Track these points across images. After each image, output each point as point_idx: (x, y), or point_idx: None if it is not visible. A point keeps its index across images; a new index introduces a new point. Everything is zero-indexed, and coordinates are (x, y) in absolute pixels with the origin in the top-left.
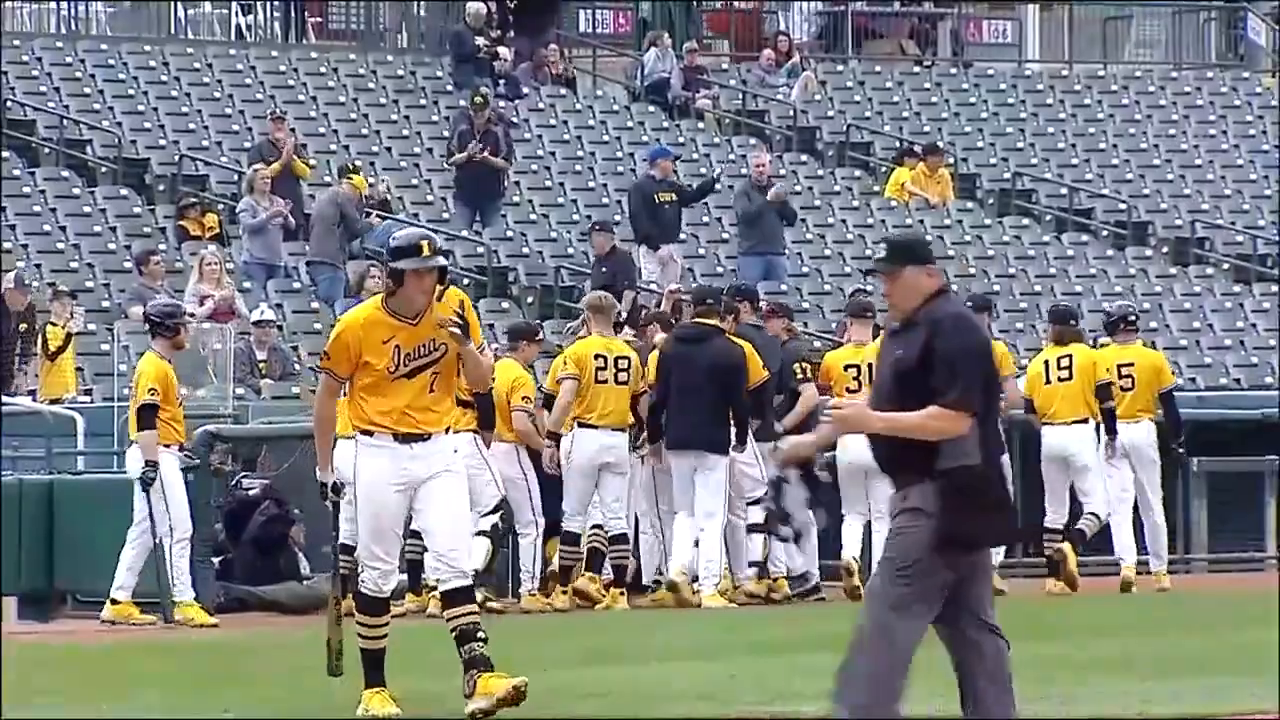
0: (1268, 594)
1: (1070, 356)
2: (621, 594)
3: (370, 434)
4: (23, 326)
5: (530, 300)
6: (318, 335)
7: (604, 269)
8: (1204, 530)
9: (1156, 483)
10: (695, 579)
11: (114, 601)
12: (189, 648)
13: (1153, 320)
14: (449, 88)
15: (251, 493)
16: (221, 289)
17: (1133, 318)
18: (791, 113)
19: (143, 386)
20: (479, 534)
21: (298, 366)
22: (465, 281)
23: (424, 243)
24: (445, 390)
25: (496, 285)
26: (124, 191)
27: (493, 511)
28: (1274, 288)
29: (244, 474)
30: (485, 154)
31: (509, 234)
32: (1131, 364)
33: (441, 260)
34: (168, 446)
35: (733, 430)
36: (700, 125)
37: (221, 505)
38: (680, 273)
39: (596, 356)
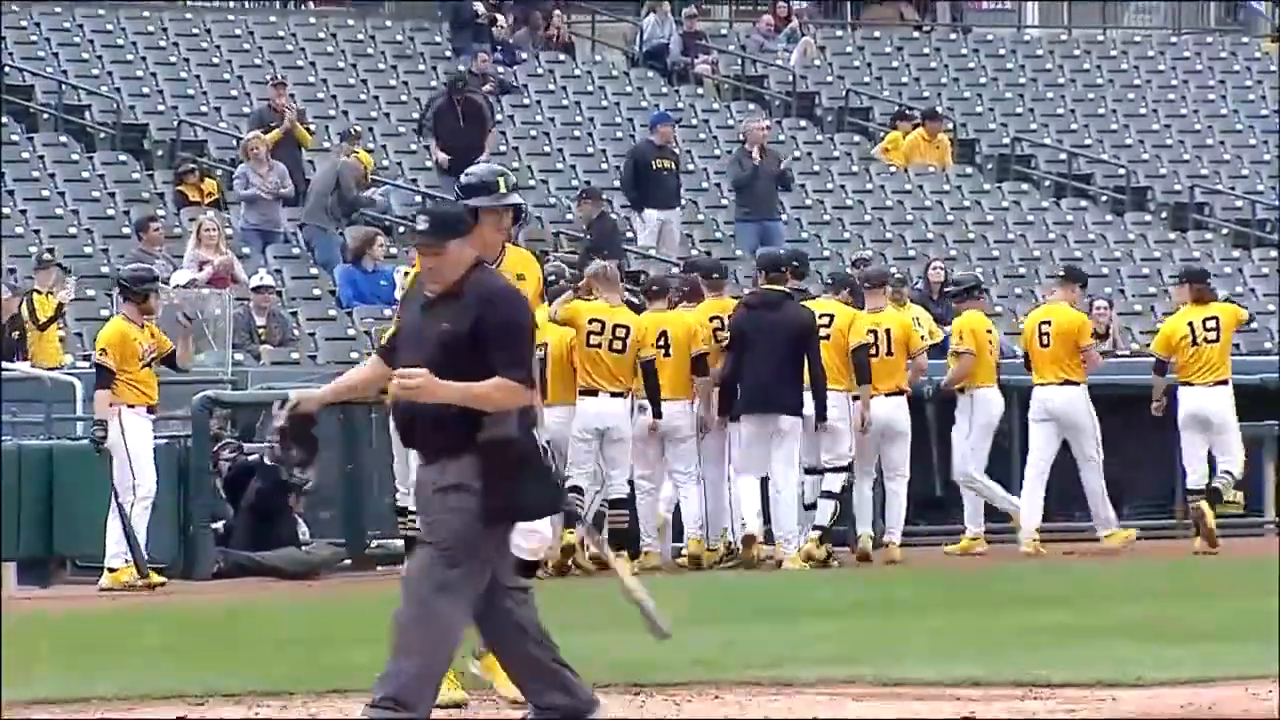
0: (1267, 561)
1: (1217, 318)
2: (621, 556)
3: None
4: (15, 335)
5: None
6: (316, 300)
7: (589, 237)
8: None
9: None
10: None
11: (110, 570)
12: (187, 614)
13: (1151, 285)
14: (447, 53)
15: (252, 459)
16: (220, 255)
17: (972, 285)
18: (791, 78)
19: (98, 349)
20: None
21: (296, 332)
22: None
23: (499, 179)
24: None
25: None
26: (122, 157)
27: None
28: (1273, 253)
29: (228, 439)
30: (475, 137)
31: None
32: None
33: (517, 198)
34: (132, 407)
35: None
36: (699, 91)
37: (218, 470)
38: (679, 239)
39: (592, 321)
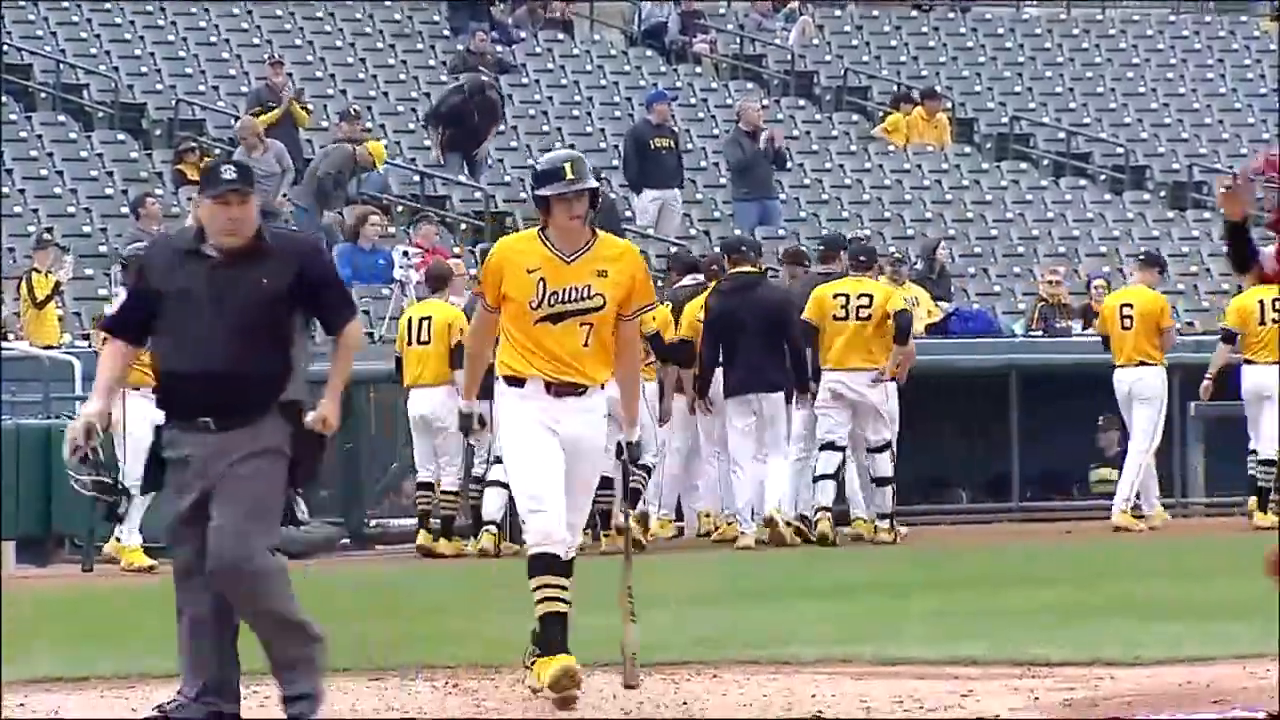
0: (1268, 539)
1: None
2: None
3: (519, 384)
4: None
5: None
6: None
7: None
8: (1201, 475)
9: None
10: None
11: (118, 539)
12: None
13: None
14: (445, 32)
15: None
16: None
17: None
18: (789, 57)
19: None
20: (494, 484)
21: None
22: (463, 226)
23: (567, 165)
24: (600, 349)
25: (494, 230)
26: (121, 136)
27: None
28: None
29: None
30: (484, 128)
31: (506, 179)
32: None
33: (590, 183)
34: (136, 389)
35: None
36: (698, 70)
37: None
38: (678, 219)
39: None
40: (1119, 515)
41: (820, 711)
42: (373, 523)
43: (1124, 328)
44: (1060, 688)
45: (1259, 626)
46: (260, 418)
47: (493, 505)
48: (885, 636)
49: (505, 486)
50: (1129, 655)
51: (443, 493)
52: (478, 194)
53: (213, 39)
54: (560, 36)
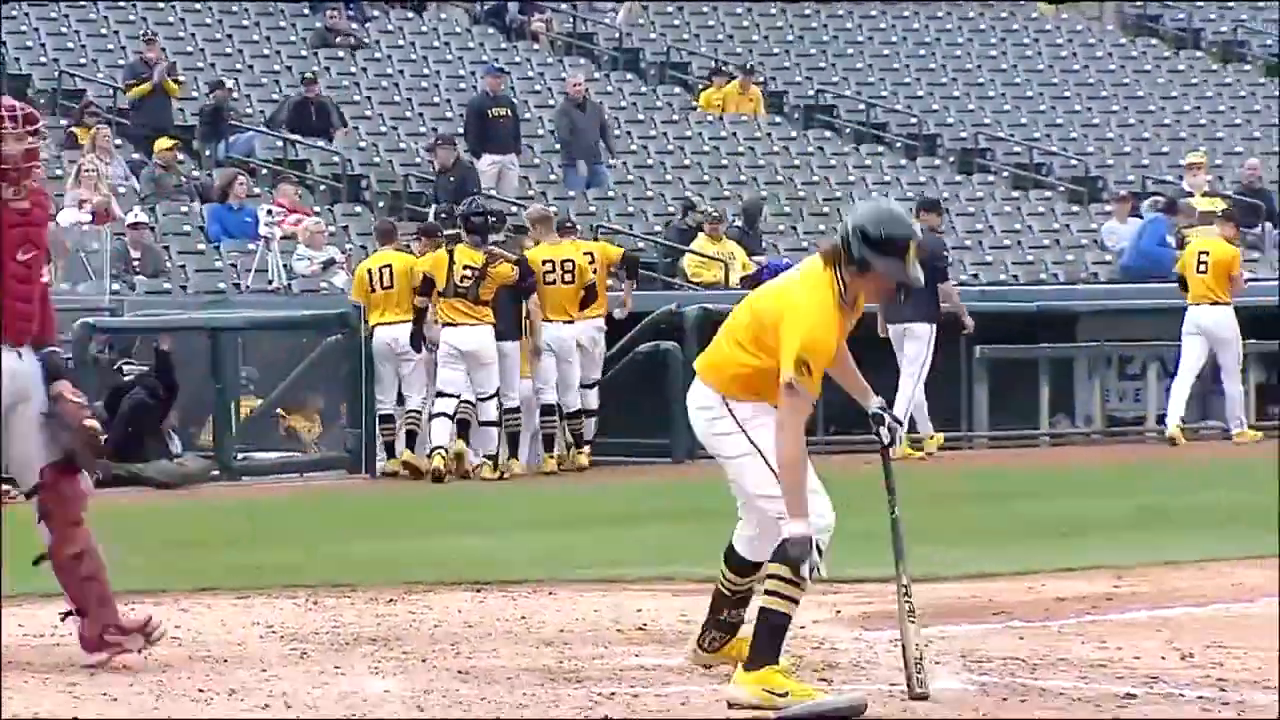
0: (1044, 468)
1: None
2: (582, 453)
3: None
4: None
5: (381, 205)
6: (186, 235)
7: (450, 180)
8: (985, 411)
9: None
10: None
11: None
12: None
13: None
14: (306, 10)
15: (128, 379)
16: (98, 195)
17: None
18: (618, 35)
19: None
20: (439, 415)
21: (168, 264)
22: (321, 188)
23: (913, 244)
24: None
25: (350, 191)
26: None
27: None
28: (1049, 193)
29: (125, 360)
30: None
31: (361, 144)
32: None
33: (917, 272)
34: None
35: None
36: (535, 46)
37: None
38: (516, 182)
39: (545, 262)
40: (1238, 436)
41: (645, 625)
42: (240, 456)
43: (1199, 271)
44: (860, 602)
45: (1043, 545)
46: None
47: (441, 433)
48: (706, 557)
49: (450, 418)
50: (922, 572)
51: (408, 411)
52: (335, 159)
53: (92, 15)
54: (410, 15)
